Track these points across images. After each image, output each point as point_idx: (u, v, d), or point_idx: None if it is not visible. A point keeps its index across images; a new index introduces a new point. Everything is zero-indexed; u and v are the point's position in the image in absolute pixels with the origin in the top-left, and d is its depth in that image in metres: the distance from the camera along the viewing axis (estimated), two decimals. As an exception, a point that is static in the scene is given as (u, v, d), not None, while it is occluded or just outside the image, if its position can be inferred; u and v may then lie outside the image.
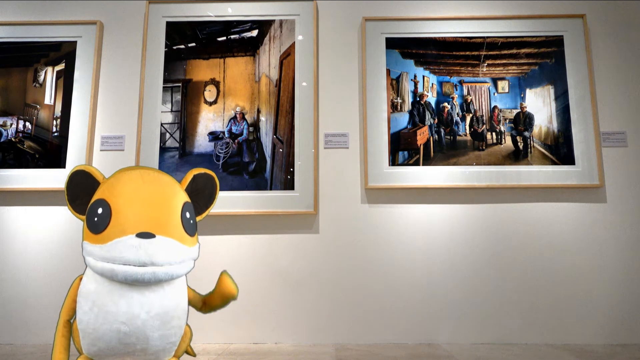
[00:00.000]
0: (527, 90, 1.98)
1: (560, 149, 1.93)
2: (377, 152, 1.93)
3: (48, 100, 2.00)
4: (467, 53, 2.01)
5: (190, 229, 1.19)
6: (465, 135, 1.96)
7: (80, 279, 1.16)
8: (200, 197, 1.32)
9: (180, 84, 2.00)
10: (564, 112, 1.95)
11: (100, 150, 1.97)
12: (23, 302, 1.86)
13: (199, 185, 1.32)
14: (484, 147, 1.94)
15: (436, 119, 1.97)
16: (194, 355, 1.42)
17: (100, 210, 1.12)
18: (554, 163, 1.91)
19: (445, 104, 1.98)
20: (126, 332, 1.07)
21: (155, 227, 1.10)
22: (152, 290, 1.11)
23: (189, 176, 1.31)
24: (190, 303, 1.31)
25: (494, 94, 1.98)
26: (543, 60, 1.99)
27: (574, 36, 2.00)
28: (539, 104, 1.97)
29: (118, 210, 1.11)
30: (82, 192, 1.20)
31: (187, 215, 1.19)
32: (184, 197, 1.23)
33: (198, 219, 1.33)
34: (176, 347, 1.19)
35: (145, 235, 1.08)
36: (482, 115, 1.97)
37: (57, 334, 1.15)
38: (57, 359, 1.14)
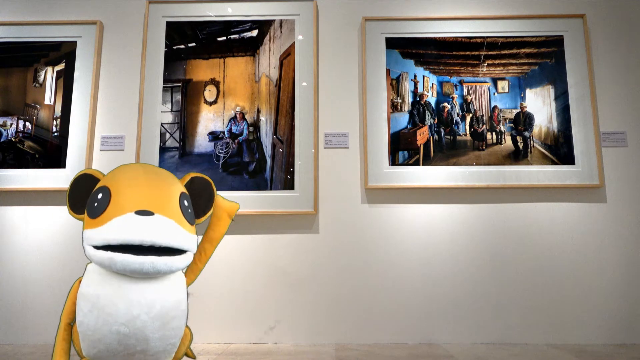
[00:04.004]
0: (527, 90, 1.98)
1: (560, 149, 1.93)
2: (377, 152, 1.93)
3: (48, 100, 2.00)
4: (467, 53, 2.01)
5: (189, 216, 1.20)
6: (465, 135, 1.96)
7: (80, 281, 1.16)
8: (198, 200, 1.32)
9: (180, 84, 2.00)
10: (564, 112, 1.95)
11: (100, 150, 1.97)
12: (23, 301, 1.86)
13: (197, 188, 1.32)
14: (484, 147, 1.94)
15: (436, 119, 1.97)
16: (194, 358, 1.42)
17: (100, 195, 1.13)
18: (554, 163, 1.91)
19: (445, 104, 1.98)
20: (126, 334, 1.07)
21: (154, 206, 1.11)
22: (152, 291, 1.11)
23: (187, 177, 1.32)
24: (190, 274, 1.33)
25: (494, 94, 1.98)
26: (543, 60, 1.99)
27: (574, 36, 2.00)
28: (539, 104, 1.97)
29: (117, 192, 1.12)
30: (84, 194, 1.21)
31: (185, 203, 1.20)
32: (182, 188, 1.24)
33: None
34: (176, 349, 1.18)
35: (144, 212, 1.08)
36: (482, 115, 1.97)
37: (58, 337, 1.15)
38: (57, 362, 1.14)
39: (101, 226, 1.08)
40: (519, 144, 1.94)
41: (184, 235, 1.14)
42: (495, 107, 1.97)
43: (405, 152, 1.94)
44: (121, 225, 1.06)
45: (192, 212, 1.23)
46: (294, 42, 2.01)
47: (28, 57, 2.03)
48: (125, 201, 1.10)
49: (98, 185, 1.18)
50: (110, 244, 1.06)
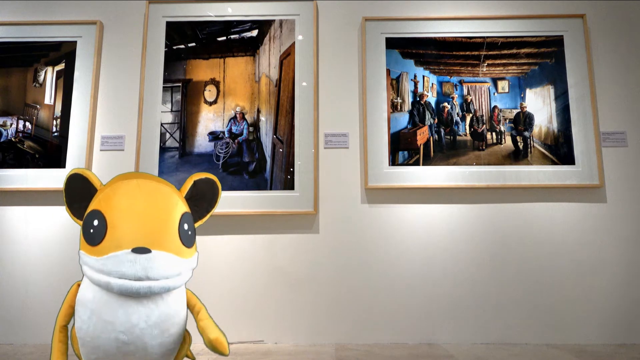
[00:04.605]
0: (527, 90, 1.98)
1: (560, 149, 1.93)
2: (377, 152, 1.93)
3: (48, 100, 2.00)
4: (467, 53, 2.01)
5: (188, 240, 1.17)
6: (465, 135, 1.96)
7: (78, 285, 1.15)
8: (201, 201, 1.31)
9: (180, 84, 2.00)
10: (564, 112, 1.95)
11: (100, 150, 1.97)
12: (23, 301, 1.86)
13: (200, 191, 1.30)
14: (484, 147, 1.94)
15: (436, 119, 1.97)
16: (193, 359, 1.41)
17: (95, 222, 1.10)
18: (554, 163, 1.91)
19: (445, 103, 1.98)
20: (125, 341, 1.06)
21: (151, 242, 1.09)
22: (151, 300, 1.10)
23: (189, 182, 1.28)
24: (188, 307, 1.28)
25: (494, 93, 1.98)
26: (543, 60, 1.99)
27: (574, 36, 2.00)
28: (539, 104, 1.97)
29: (114, 224, 1.09)
30: (79, 196, 1.19)
31: (185, 227, 1.17)
32: (183, 208, 1.20)
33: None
34: (175, 353, 1.18)
35: (141, 250, 1.07)
36: (482, 115, 1.97)
37: (54, 339, 1.15)
38: (55, 364, 1.13)
39: (98, 257, 1.08)
40: (519, 144, 1.94)
41: (181, 265, 1.14)
42: (495, 107, 1.97)
43: (405, 152, 1.94)
44: (118, 263, 1.06)
45: (192, 233, 1.21)
46: (294, 42, 2.01)
47: (28, 57, 2.03)
48: (122, 237, 1.08)
49: (93, 207, 1.14)
50: (107, 274, 1.07)
